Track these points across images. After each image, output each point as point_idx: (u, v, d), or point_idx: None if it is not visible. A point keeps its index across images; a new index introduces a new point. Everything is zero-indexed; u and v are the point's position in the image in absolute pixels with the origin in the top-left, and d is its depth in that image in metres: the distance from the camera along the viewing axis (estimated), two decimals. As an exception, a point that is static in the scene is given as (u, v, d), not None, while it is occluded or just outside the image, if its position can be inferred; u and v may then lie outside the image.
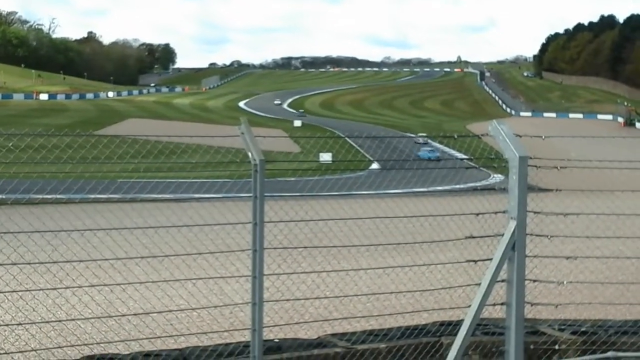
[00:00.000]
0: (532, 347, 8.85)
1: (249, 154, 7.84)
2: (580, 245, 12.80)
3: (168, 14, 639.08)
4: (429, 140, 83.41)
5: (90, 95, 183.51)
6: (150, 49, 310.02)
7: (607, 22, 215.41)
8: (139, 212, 9.86)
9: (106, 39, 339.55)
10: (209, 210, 9.96)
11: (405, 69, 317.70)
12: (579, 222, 9.82)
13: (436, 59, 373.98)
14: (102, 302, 11.45)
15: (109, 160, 9.43)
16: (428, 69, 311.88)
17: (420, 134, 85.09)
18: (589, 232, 10.15)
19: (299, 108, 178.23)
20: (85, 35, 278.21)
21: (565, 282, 9.38)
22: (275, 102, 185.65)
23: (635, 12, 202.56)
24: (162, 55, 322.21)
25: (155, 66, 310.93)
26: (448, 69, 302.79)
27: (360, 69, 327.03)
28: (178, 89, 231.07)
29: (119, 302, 11.51)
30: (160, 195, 11.00)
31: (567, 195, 10.11)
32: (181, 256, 8.86)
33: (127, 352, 8.39)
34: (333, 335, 9.23)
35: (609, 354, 7.88)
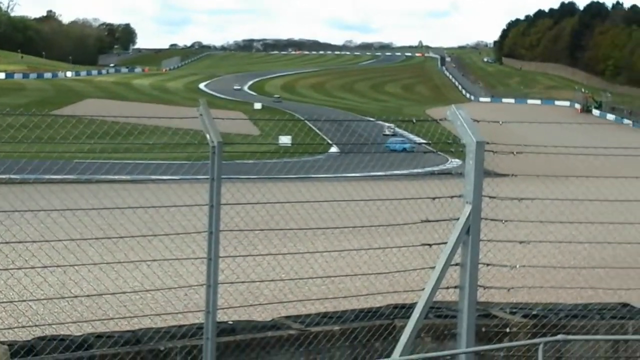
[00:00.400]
0: (483, 330, 8.94)
1: (207, 136, 7.81)
2: (534, 230, 12.94)
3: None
4: (396, 128, 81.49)
5: (48, 75, 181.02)
6: (110, 29, 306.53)
7: (567, 9, 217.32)
8: (94, 193, 9.79)
9: (65, 18, 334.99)
10: (165, 192, 9.92)
11: (366, 53, 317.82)
12: (533, 207, 9.92)
13: (398, 43, 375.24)
14: (55, 283, 11.34)
15: (65, 140, 9.32)
16: (389, 53, 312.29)
17: (389, 125, 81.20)
18: (543, 217, 10.28)
19: (259, 91, 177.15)
20: (45, 14, 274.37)
21: (518, 266, 9.49)
22: (235, 87, 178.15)
23: (595, 0, 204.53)
24: (122, 36, 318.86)
25: (115, 46, 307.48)
26: (409, 54, 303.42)
27: (322, 52, 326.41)
28: (138, 69, 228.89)
29: (72, 283, 11.42)
30: (116, 177, 10.93)
31: (523, 180, 10.21)
32: (136, 238, 8.81)
33: (79, 334, 8.33)
34: (287, 317, 9.24)
35: (559, 337, 7.99)
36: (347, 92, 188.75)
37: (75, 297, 9.51)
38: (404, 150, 60.38)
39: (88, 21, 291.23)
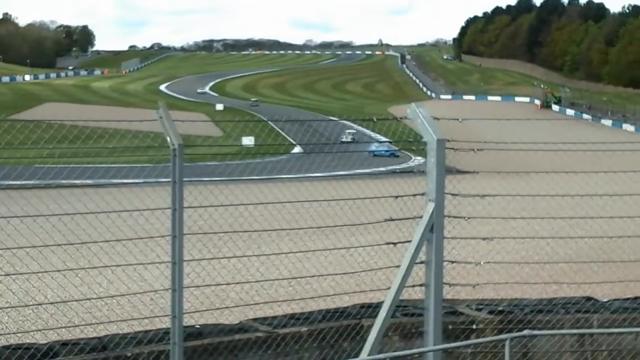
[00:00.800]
0: (450, 327, 8.98)
1: (168, 139, 7.76)
2: (497, 226, 13.02)
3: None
4: (359, 128, 79.41)
5: (5, 79, 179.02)
6: (68, 31, 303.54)
7: (525, 5, 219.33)
8: (54, 199, 9.66)
9: (22, 20, 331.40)
10: (127, 196, 9.82)
11: (327, 52, 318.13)
12: (495, 204, 9.98)
13: (358, 42, 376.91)
14: (18, 291, 11.19)
15: (23, 145, 9.20)
16: (350, 52, 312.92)
17: (349, 131, 77.61)
18: (506, 213, 10.33)
19: (220, 92, 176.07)
20: (0, 17, 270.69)
21: (482, 263, 9.54)
22: (199, 90, 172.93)
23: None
24: (81, 38, 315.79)
25: (74, 49, 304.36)
26: (369, 52, 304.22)
27: (282, 51, 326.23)
28: (97, 72, 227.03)
29: (35, 290, 11.29)
30: (76, 181, 10.80)
31: (484, 177, 10.26)
32: (99, 243, 8.72)
33: (44, 342, 8.23)
34: (255, 320, 9.22)
35: (525, 332, 8.06)
36: (308, 91, 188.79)
37: (40, 304, 9.43)
38: (392, 155, 58.44)
39: (45, 23, 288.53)
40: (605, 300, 10.57)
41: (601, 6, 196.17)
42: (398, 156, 57.93)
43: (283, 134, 55.60)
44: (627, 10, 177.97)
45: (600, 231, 11.17)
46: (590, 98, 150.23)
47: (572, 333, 9.15)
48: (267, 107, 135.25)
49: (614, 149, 10.88)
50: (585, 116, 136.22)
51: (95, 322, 10.67)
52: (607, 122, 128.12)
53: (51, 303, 10.26)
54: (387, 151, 58.82)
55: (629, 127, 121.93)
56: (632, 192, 10.00)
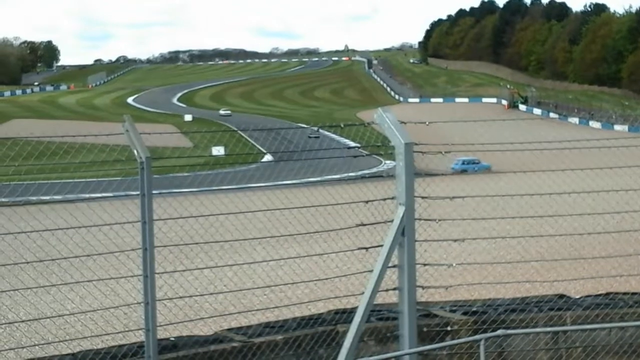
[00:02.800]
0: (425, 329, 9.00)
1: (135, 152, 7.73)
2: (468, 227, 13.07)
3: (48, 10, 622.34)
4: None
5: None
6: (32, 47, 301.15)
7: (488, 7, 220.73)
8: (21, 216, 9.58)
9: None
10: (96, 211, 9.76)
11: (293, 59, 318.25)
12: (466, 205, 10.01)
13: (324, 48, 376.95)
14: (-11, 310, 11.06)
15: (-11, 164, 9.09)
16: (316, 59, 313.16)
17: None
18: (476, 214, 10.36)
19: (189, 102, 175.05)
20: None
21: (454, 264, 9.56)
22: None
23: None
24: (45, 53, 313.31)
25: (39, 64, 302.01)
26: (336, 58, 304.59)
27: (249, 60, 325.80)
28: (63, 86, 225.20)
29: (5, 309, 11.18)
30: (44, 197, 10.71)
31: (453, 178, 10.30)
32: (69, 259, 8.65)
33: (17, 361, 8.15)
34: (230, 330, 9.18)
35: (499, 332, 8.08)
36: (276, 99, 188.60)
37: (12, 323, 9.29)
38: (488, 169, 52.37)
39: (8, 40, 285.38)
40: (577, 297, 10.64)
41: (563, 5, 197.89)
42: (489, 167, 51.84)
43: (251, 141, 55.47)
44: (589, 9, 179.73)
45: (570, 228, 11.26)
46: (556, 97, 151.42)
47: (546, 331, 9.20)
48: (236, 116, 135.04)
49: (581, 146, 10.96)
50: (552, 115, 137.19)
51: (68, 339, 10.58)
52: (574, 120, 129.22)
53: (23, 321, 10.17)
54: (475, 164, 53.11)
55: (595, 125, 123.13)
56: (600, 189, 10.08)
